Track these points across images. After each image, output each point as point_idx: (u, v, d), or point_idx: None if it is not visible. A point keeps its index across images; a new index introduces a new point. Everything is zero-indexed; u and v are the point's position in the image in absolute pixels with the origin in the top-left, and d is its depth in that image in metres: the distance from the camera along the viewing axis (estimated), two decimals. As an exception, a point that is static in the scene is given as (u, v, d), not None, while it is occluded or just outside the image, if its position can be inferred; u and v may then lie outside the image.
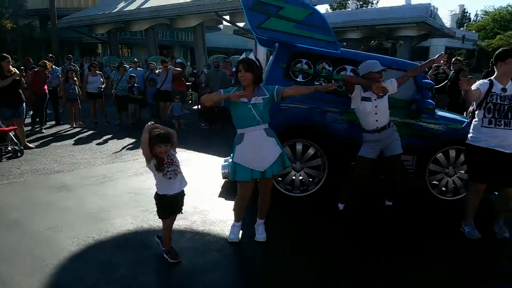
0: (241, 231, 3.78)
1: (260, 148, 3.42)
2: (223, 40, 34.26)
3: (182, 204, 3.35)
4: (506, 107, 3.66)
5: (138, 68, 11.42)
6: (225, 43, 34.13)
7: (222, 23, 22.39)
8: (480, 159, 3.78)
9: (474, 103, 3.90)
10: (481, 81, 3.86)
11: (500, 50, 3.86)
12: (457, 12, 53.54)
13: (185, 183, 3.32)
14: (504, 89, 3.70)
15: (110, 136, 8.70)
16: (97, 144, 7.87)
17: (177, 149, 3.35)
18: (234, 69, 3.72)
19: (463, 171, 4.76)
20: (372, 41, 32.66)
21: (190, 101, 14.74)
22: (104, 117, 10.18)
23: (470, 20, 54.81)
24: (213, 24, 23.94)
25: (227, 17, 19.30)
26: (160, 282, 3.07)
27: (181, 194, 3.30)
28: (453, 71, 9.33)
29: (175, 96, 10.34)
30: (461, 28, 46.39)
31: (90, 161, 6.50)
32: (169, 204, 3.23)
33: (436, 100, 9.93)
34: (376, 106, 4.08)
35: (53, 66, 10.37)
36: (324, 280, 3.13)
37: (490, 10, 46.63)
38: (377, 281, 3.16)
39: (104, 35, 26.49)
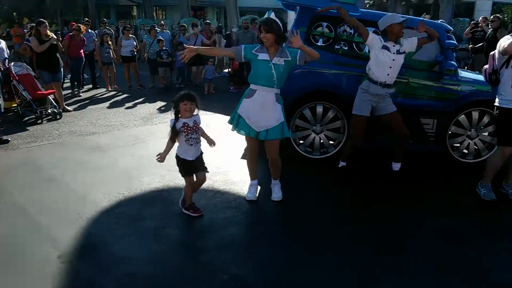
0: (258, 190, 3.99)
1: (264, 109, 3.55)
2: (256, 0, 33.60)
3: (203, 165, 3.55)
4: None
5: (164, 31, 11.49)
6: (258, 2, 33.46)
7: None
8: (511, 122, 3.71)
9: (494, 63, 3.79)
10: (507, 36, 3.70)
11: None
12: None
13: (201, 152, 3.52)
14: None
15: (142, 99, 9.04)
16: (130, 107, 8.23)
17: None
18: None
19: (485, 133, 4.71)
20: (413, -4, 31.06)
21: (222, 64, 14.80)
22: (138, 81, 10.46)
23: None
24: (246, -17, 23.50)
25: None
26: (182, 234, 3.37)
27: (198, 159, 3.50)
28: (491, 29, 8.91)
29: (209, 59, 10.32)
30: (512, -20, 43.01)
31: (123, 123, 6.86)
32: (187, 166, 3.48)
33: (473, 59, 9.60)
34: (393, 60, 4.02)
35: (89, 30, 10.64)
36: (335, 237, 3.32)
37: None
38: (386, 242, 3.31)
39: (139, -3, 26.67)
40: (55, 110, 7.10)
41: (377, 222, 3.56)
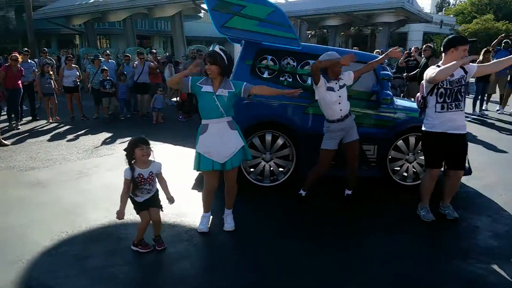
0: (210, 222, 3.98)
1: (221, 140, 3.60)
2: (204, 29, 34.02)
3: (157, 202, 3.52)
4: (454, 91, 3.88)
5: (110, 61, 11.35)
6: (206, 31, 33.91)
7: (201, 12, 22.29)
8: (435, 144, 4.00)
9: (424, 91, 4.10)
10: (432, 67, 4.01)
11: (452, 36, 4.03)
12: (436, -4, 54.12)
13: (156, 191, 3.51)
14: (451, 74, 3.89)
15: (86, 130, 8.75)
16: (73, 139, 7.94)
17: (153, 142, 3.50)
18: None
19: (422, 157, 5.03)
20: (352, 28, 32.87)
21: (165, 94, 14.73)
22: (81, 112, 10.15)
23: (449, 4, 55.44)
24: (193, 13, 23.84)
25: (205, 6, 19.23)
26: (131, 271, 3.24)
27: (153, 197, 3.47)
28: (424, 58, 9.61)
29: (158, 88, 10.20)
30: (440, 13, 46.94)
31: (65, 156, 6.60)
32: (140, 205, 3.44)
33: (408, 87, 10.26)
34: (340, 96, 4.26)
35: (29, 60, 10.27)
36: (287, 267, 3.36)
37: (469, -6, 47.14)
38: (338, 261, 3.39)
39: (81, 26, 26.14)
40: (-9, 144, 6.71)
41: (326, 249, 3.65)
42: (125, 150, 3.37)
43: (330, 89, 4.25)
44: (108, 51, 12.48)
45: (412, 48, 11.06)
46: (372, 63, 4.48)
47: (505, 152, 6.94)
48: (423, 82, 4.12)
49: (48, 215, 4.27)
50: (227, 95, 3.60)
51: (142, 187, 3.36)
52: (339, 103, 4.28)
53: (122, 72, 10.40)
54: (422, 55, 9.73)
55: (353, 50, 5.14)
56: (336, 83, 4.27)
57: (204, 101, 3.61)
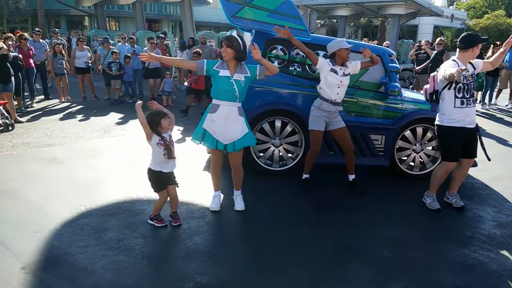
0: (222, 201, 4.13)
1: (228, 123, 3.74)
2: (213, 15, 33.94)
3: (174, 178, 3.68)
4: (470, 86, 3.97)
5: (126, 44, 11.39)
6: (215, 17, 33.82)
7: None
8: (455, 139, 4.05)
9: (434, 83, 4.17)
10: (450, 62, 4.07)
11: (474, 34, 4.05)
12: (448, -10, 53.46)
13: (175, 167, 3.68)
14: (467, 70, 3.95)
15: (97, 111, 8.89)
16: (86, 118, 8.08)
17: None
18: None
19: (429, 148, 5.14)
20: (361, 19, 32.69)
21: (176, 78, 14.82)
22: (92, 92, 10.29)
23: (460, -2, 54.76)
24: (202, -2, 23.74)
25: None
26: (146, 244, 3.40)
27: (173, 173, 3.66)
28: (436, 51, 9.62)
29: (166, 72, 10.30)
30: (451, 7, 46.43)
31: (80, 135, 6.75)
32: (163, 179, 3.58)
33: (417, 79, 10.31)
34: (341, 81, 4.38)
35: (40, 40, 10.37)
36: (293, 245, 3.51)
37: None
38: (344, 245, 3.53)
39: (91, 7, 26.10)
40: (7, 121, 6.85)
41: (330, 231, 3.78)
42: (149, 121, 3.46)
43: (334, 71, 4.38)
44: (124, 34, 12.45)
45: (423, 41, 11.06)
46: (375, 58, 4.51)
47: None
48: (435, 74, 4.19)
49: (66, 190, 4.42)
50: (244, 79, 3.73)
51: (167, 149, 3.52)
52: (338, 87, 4.40)
53: (126, 54, 10.43)
54: (435, 49, 9.73)
55: (361, 42, 5.14)
56: (340, 69, 4.39)
57: (221, 85, 3.72)
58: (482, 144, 4.21)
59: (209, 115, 3.80)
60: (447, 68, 3.93)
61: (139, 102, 3.43)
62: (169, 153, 3.50)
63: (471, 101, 3.99)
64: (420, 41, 19.37)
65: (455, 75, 3.58)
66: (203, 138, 3.85)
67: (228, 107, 3.74)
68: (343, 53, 4.35)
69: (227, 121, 3.74)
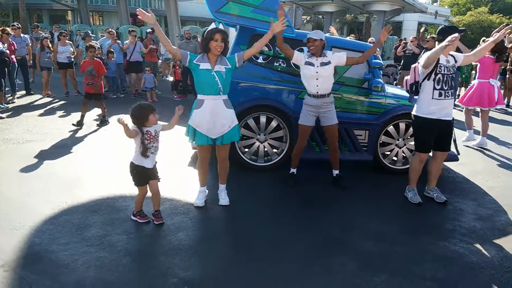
0: (206, 197, 4.12)
1: (216, 117, 3.73)
2: (198, 9, 33.71)
3: (156, 173, 3.64)
4: (449, 78, 4.02)
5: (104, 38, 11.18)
6: (200, 12, 33.62)
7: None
8: (429, 130, 4.13)
9: (415, 75, 4.22)
10: (426, 53, 4.15)
11: (445, 26, 4.15)
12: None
13: (156, 161, 3.64)
14: (447, 61, 4.03)
15: (80, 106, 8.72)
16: (68, 114, 7.96)
17: None
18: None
19: (412, 142, 5.20)
20: (347, 15, 32.83)
21: (161, 73, 14.70)
22: (75, 87, 10.14)
23: (444, -5, 55.38)
24: (187, -7, 23.54)
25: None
26: (129, 240, 3.37)
27: (154, 167, 3.62)
28: (426, 47, 9.68)
29: (146, 67, 10.24)
30: (435, 4, 46.92)
31: (61, 131, 6.65)
32: (144, 174, 3.54)
33: (400, 75, 10.42)
34: (317, 72, 4.37)
35: (21, 34, 10.17)
36: (277, 239, 3.52)
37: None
38: (329, 238, 3.56)
39: (74, 1, 25.69)
40: (-14, 117, 6.73)
41: (315, 225, 3.81)
42: (137, 114, 3.41)
43: (309, 63, 4.40)
44: (110, 29, 12.18)
45: (410, 38, 11.16)
46: (366, 54, 4.54)
47: (495, 141, 7.14)
48: (416, 66, 4.24)
49: (47, 186, 4.36)
50: (224, 71, 3.72)
51: (151, 145, 3.47)
52: (316, 79, 4.39)
53: (109, 49, 10.24)
54: (426, 45, 9.79)
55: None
56: (316, 60, 4.39)
57: (202, 78, 3.71)
58: (454, 139, 4.29)
59: (195, 111, 3.79)
60: (424, 57, 4.05)
61: (122, 119, 3.23)
62: (144, 151, 3.46)
63: (450, 93, 4.04)
64: (405, 38, 19.59)
65: (448, 40, 3.72)
66: (193, 136, 3.83)
67: (213, 101, 3.73)
68: (309, 42, 4.39)
69: (214, 115, 3.73)
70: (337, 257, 3.27)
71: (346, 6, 25.44)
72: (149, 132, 3.47)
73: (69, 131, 6.63)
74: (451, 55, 4.10)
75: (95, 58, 7.17)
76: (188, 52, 3.79)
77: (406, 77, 4.42)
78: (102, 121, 7.25)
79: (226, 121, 3.79)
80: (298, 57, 4.44)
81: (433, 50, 3.94)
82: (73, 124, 6.90)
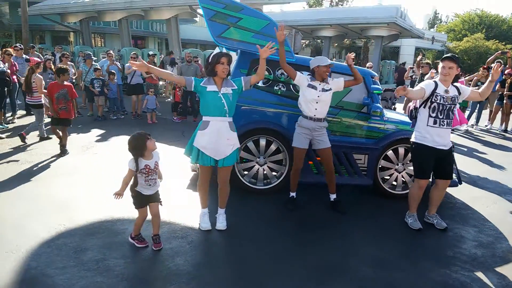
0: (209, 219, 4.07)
1: (220, 140, 3.75)
2: (199, 33, 34.19)
3: (157, 197, 3.62)
4: (447, 108, 4.06)
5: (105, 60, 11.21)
6: (201, 35, 34.07)
7: (197, 16, 22.38)
8: (425, 156, 4.16)
9: (417, 101, 4.28)
10: (427, 81, 4.23)
11: (449, 55, 4.22)
12: (429, 13, 55.10)
13: (158, 186, 3.62)
14: (447, 91, 4.08)
15: (81, 127, 8.78)
16: (68, 135, 7.93)
17: None
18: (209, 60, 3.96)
19: (411, 167, 5.19)
20: (346, 39, 33.31)
21: (163, 94, 14.82)
22: (76, 108, 10.14)
23: (441, 21, 56.45)
24: (188, 17, 23.93)
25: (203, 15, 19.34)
26: (126, 265, 3.32)
27: (155, 194, 3.59)
28: (421, 73, 9.92)
29: (149, 89, 10.29)
30: (432, 29, 47.76)
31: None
32: (141, 198, 3.52)
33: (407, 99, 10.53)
34: (318, 96, 4.43)
35: (24, 55, 10.27)
36: (275, 264, 3.47)
37: (461, 13, 48.12)
38: (328, 264, 3.52)
39: (76, 23, 26.05)
40: (-14, 137, 6.71)
41: (313, 250, 3.77)
42: (134, 144, 3.38)
43: (312, 86, 4.44)
44: (111, 51, 12.24)
45: (415, 64, 11.41)
46: (359, 77, 4.56)
47: (493, 166, 7.16)
48: None
49: (45, 208, 4.32)
50: (231, 92, 3.78)
51: (149, 177, 3.45)
52: (316, 103, 4.44)
53: (111, 71, 10.36)
54: (421, 71, 10.02)
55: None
56: (319, 84, 4.44)
57: (209, 100, 3.75)
58: (455, 167, 4.30)
59: (199, 132, 3.80)
60: (418, 86, 4.18)
61: (118, 195, 3.39)
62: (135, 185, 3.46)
63: (445, 122, 4.07)
64: (405, 62, 19.81)
65: (396, 92, 3.97)
66: (197, 157, 3.84)
67: (219, 122, 3.76)
68: (320, 70, 4.43)
69: (219, 137, 3.75)
70: (336, 283, 3.23)
71: (345, 31, 25.83)
72: (147, 166, 3.44)
73: (70, 152, 6.60)
74: (455, 87, 4.14)
75: (65, 82, 6.57)
76: (193, 78, 3.85)
77: (409, 104, 4.48)
78: (63, 151, 6.51)
79: (230, 144, 3.81)
80: (301, 79, 4.48)
81: (414, 90, 4.08)
82: (60, 155, 6.43)
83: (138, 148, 3.37)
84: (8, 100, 8.86)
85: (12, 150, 6.60)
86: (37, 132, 7.54)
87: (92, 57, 11.13)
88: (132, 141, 3.38)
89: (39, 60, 10.04)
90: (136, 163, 3.38)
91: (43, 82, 7.43)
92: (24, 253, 3.37)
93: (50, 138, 7.54)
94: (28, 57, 10.29)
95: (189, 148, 3.93)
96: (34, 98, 7.28)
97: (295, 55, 5.14)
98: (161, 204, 3.64)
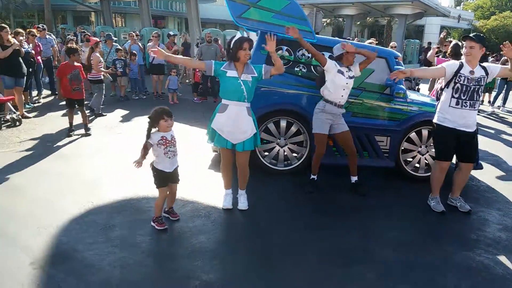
0: (232, 199, 4.15)
1: (238, 123, 3.78)
2: (219, 12, 33.87)
3: (177, 176, 3.71)
4: (471, 89, 3.97)
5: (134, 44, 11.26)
6: (221, 15, 33.76)
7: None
8: (445, 137, 4.11)
9: (443, 82, 4.20)
10: (451, 61, 4.14)
11: (470, 35, 4.09)
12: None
13: (177, 165, 3.69)
14: (472, 72, 3.97)
15: (104, 107, 8.90)
16: (92, 115, 8.09)
17: None
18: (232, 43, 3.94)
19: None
20: (368, 18, 32.58)
21: (185, 74, 14.84)
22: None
23: (468, -1, 54.45)
24: (208, -5, 23.70)
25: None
26: (152, 242, 3.43)
27: (175, 171, 3.66)
28: (445, 51, 9.64)
29: (172, 69, 10.30)
30: (458, 7, 46.17)
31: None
32: (164, 177, 3.59)
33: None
34: (347, 83, 4.40)
35: (47, 36, 10.40)
36: (295, 244, 3.53)
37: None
38: (347, 247, 3.55)
39: (97, 3, 26.14)
40: (14, 117, 6.90)
41: (333, 233, 3.79)
42: (150, 117, 3.48)
43: (341, 72, 4.39)
44: (132, 32, 12.16)
45: (438, 41, 11.09)
46: (369, 55, 4.47)
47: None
48: None
49: (73, 186, 4.46)
50: (251, 79, 3.77)
51: (168, 149, 3.51)
52: (344, 89, 4.41)
53: (132, 51, 10.40)
54: (445, 50, 9.74)
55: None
56: (347, 71, 4.40)
57: (229, 85, 3.76)
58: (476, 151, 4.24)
59: (218, 115, 3.84)
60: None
61: (138, 163, 3.45)
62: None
63: (468, 104, 3.98)
64: (430, 42, 19.20)
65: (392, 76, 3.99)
66: (213, 138, 3.90)
67: (237, 107, 3.77)
68: (350, 55, 4.37)
69: (236, 121, 3.77)
70: (355, 266, 3.25)
71: (367, 9, 25.24)
72: (164, 138, 3.50)
73: (93, 133, 6.74)
74: (482, 67, 4.03)
75: (75, 63, 6.52)
76: (213, 62, 3.86)
77: (436, 85, 4.39)
78: (86, 130, 6.65)
79: (247, 128, 3.83)
80: (331, 65, 4.40)
81: (429, 69, 4.04)
82: (68, 135, 6.43)
83: (152, 120, 3.46)
84: (33, 80, 9.05)
85: (38, 129, 6.77)
86: (61, 112, 7.69)
87: (113, 37, 11.18)
88: (152, 112, 3.48)
89: (96, 39, 10.21)
90: (148, 132, 3.46)
91: (101, 59, 8.38)
92: (55, 229, 3.51)
93: (105, 115, 8.01)
94: (88, 37, 10.42)
95: (208, 128, 3.98)
96: (93, 75, 8.14)
97: (316, 35, 5.07)
98: (178, 182, 3.74)
